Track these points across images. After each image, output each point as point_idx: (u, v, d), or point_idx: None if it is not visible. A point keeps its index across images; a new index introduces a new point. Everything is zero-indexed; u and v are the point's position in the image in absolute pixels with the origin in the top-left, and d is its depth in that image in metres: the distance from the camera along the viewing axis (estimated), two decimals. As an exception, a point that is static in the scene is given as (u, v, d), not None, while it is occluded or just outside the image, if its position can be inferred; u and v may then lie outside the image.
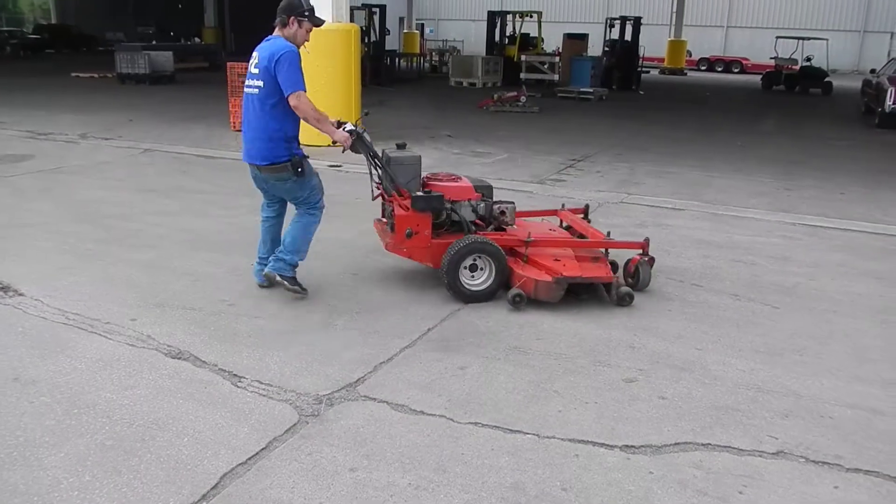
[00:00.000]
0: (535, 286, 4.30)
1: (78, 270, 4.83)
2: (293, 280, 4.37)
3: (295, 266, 4.41)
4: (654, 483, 2.72)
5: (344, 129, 4.24)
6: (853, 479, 2.78)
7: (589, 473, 2.77)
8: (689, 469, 2.81)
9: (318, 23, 4.21)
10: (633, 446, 2.95)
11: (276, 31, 4.17)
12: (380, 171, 4.55)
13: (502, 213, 4.65)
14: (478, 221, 4.72)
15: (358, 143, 4.31)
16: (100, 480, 2.63)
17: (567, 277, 4.30)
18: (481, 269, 4.44)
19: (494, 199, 4.88)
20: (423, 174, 4.66)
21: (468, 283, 4.43)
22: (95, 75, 19.83)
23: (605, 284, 4.49)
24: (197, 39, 28.49)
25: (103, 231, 5.75)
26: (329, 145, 9.46)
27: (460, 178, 4.77)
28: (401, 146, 4.68)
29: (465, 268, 4.42)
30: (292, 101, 3.99)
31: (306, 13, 4.08)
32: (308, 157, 4.27)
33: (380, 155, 4.52)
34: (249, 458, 2.79)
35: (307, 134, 4.52)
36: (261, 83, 4.08)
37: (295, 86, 3.97)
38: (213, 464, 2.75)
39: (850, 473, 2.82)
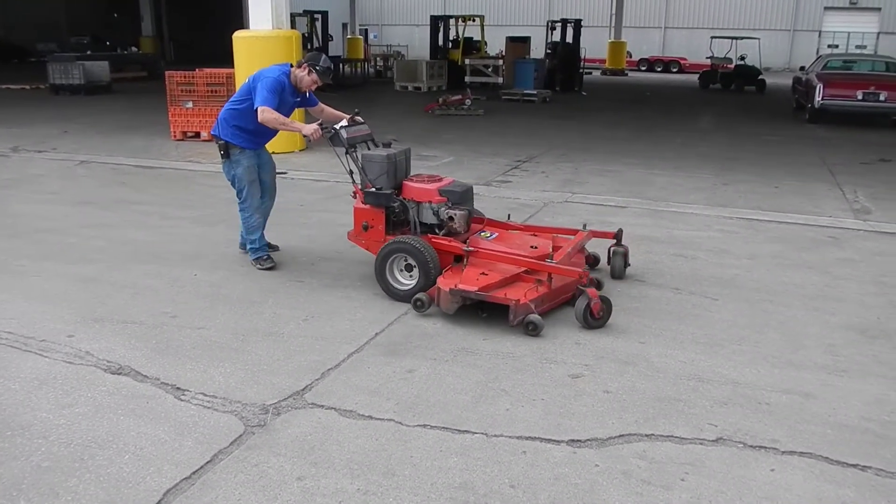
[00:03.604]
0: (438, 293, 4.23)
1: (10, 287, 4.66)
2: (260, 260, 5.15)
3: (257, 249, 5.17)
4: (599, 475, 2.77)
5: (319, 127, 4.78)
6: (788, 462, 2.88)
7: (536, 469, 2.80)
8: (634, 460, 2.87)
9: (324, 80, 4.96)
10: (578, 440, 3.00)
11: (293, 66, 4.97)
12: (355, 166, 4.81)
13: (450, 218, 4.60)
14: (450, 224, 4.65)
15: (334, 139, 4.80)
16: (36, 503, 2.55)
17: (461, 290, 4.10)
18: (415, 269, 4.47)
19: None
20: (421, 174, 4.93)
21: (397, 283, 4.52)
22: (27, 87, 19.16)
23: (509, 308, 4.04)
24: (134, 49, 27.77)
25: (38, 246, 5.57)
26: (272, 153, 9.41)
27: (441, 180, 4.79)
28: (386, 144, 4.94)
29: (402, 269, 4.51)
30: (259, 115, 4.71)
31: (318, 68, 4.88)
32: (242, 151, 4.96)
33: (356, 151, 4.82)
34: (194, 473, 2.74)
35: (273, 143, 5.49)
36: (243, 88, 4.99)
37: (260, 101, 4.71)
38: (155, 480, 2.69)
39: (785, 456, 2.92)
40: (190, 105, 10.73)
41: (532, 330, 4.00)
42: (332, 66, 5.02)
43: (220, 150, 5.03)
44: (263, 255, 5.16)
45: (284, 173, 8.40)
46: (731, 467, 2.83)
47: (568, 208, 7.10)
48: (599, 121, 14.62)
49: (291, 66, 4.98)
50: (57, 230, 6.02)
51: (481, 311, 4.23)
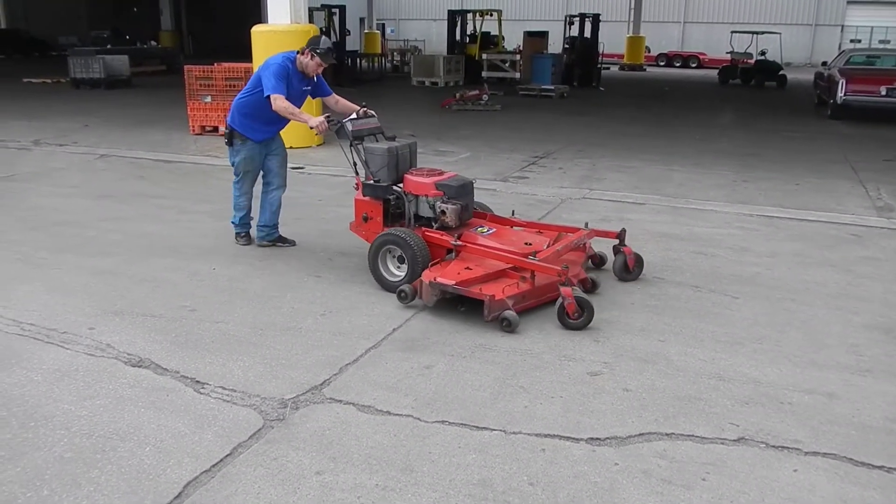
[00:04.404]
0: (420, 285, 4.25)
1: (32, 280, 4.70)
2: (238, 235, 5.53)
3: (238, 224, 5.54)
4: (619, 474, 2.75)
5: (325, 119, 4.85)
6: (811, 462, 2.84)
7: (555, 467, 2.79)
8: (654, 459, 2.85)
9: (327, 61, 5.02)
10: (598, 439, 2.98)
11: (298, 53, 5.04)
12: (359, 158, 4.89)
13: (443, 212, 4.61)
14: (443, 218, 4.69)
15: (340, 132, 4.88)
16: (58, 494, 2.57)
17: (439, 284, 4.14)
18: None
19: (477, 200, 5.06)
20: (422, 167, 4.94)
21: (389, 275, 4.61)
22: (48, 81, 19.34)
23: (484, 303, 4.03)
24: (153, 43, 27.97)
25: (58, 239, 5.62)
26: (290, 147, 9.43)
27: (441, 174, 4.81)
28: (390, 137, 5.08)
29: (395, 261, 4.60)
30: (273, 104, 4.84)
31: (318, 50, 4.96)
32: (244, 142, 5.21)
33: (361, 144, 4.89)
34: (213, 466, 2.75)
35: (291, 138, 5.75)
36: (253, 79, 5.16)
37: (270, 90, 4.84)
38: (176, 472, 2.70)
39: (808, 457, 2.88)
40: (209, 99, 10.77)
41: (506, 326, 3.99)
42: (333, 47, 5.09)
43: (225, 138, 5.36)
44: (242, 231, 5.56)
45: (302, 168, 8.43)
46: (753, 468, 2.80)
47: (586, 205, 7.06)
48: (617, 116, 14.52)
49: (298, 53, 5.06)
50: (77, 223, 6.08)
51: (460, 304, 4.26)
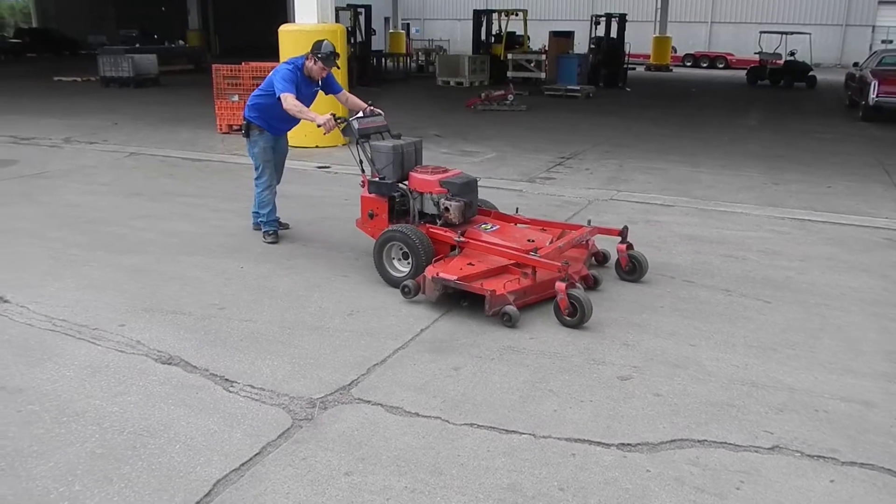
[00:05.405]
0: (423, 280, 4.31)
1: (63, 276, 4.76)
2: (266, 234, 5.62)
3: (266, 223, 5.61)
4: (651, 481, 2.71)
5: (332, 117, 4.98)
6: (849, 473, 2.78)
7: (586, 473, 2.75)
8: (686, 466, 2.80)
9: (329, 65, 5.26)
10: (629, 444, 2.94)
11: (304, 59, 5.30)
12: (365, 156, 5.00)
13: (446, 209, 4.66)
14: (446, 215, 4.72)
15: (346, 130, 5.03)
16: (90, 490, 2.59)
17: (441, 279, 4.18)
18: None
19: (481, 197, 5.11)
20: (427, 165, 5.03)
21: (393, 270, 4.67)
22: (78, 79, 19.65)
23: (484, 298, 4.07)
24: (181, 42, 28.27)
25: (89, 236, 5.69)
26: (316, 146, 9.49)
27: (445, 171, 4.86)
28: (396, 136, 5.15)
29: (399, 257, 4.67)
30: (283, 103, 5.06)
31: (319, 55, 5.21)
32: (261, 132, 5.42)
33: (367, 142, 5.00)
34: (243, 464, 2.76)
35: (295, 137, 6.02)
36: (266, 81, 5.40)
37: (281, 90, 5.08)
38: (205, 470, 2.71)
39: (845, 467, 2.82)
40: (236, 98, 10.84)
41: (507, 321, 4.05)
42: (334, 50, 5.27)
43: (242, 130, 5.60)
44: (271, 229, 5.61)
45: (328, 167, 8.46)
46: (788, 477, 2.74)
47: (613, 206, 6.99)
48: (644, 117, 14.39)
49: (304, 58, 5.30)
50: (108, 220, 6.14)
51: (463, 299, 4.30)
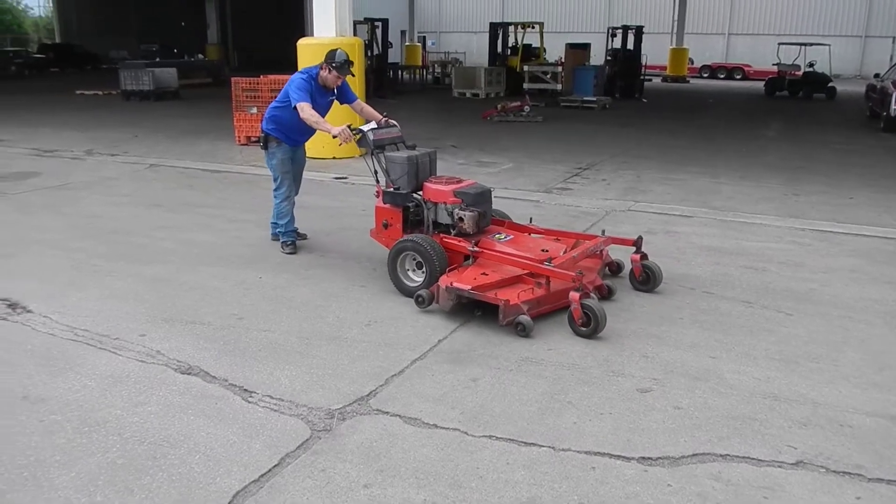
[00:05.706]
0: (437, 290, 4.31)
1: (85, 286, 4.81)
2: (284, 244, 5.64)
3: (284, 233, 5.65)
4: (672, 496, 2.67)
5: (347, 128, 5.01)
6: (876, 490, 2.73)
7: (606, 487, 2.72)
8: (708, 481, 2.76)
9: (344, 73, 5.31)
10: (650, 458, 2.91)
11: (319, 69, 5.37)
12: (380, 166, 5.04)
13: (460, 219, 4.67)
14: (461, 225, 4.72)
15: (362, 141, 5.04)
16: (111, 501, 2.60)
17: (455, 288, 4.19)
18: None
19: (496, 207, 5.17)
20: (442, 175, 5.04)
21: (408, 280, 4.69)
22: (100, 92, 19.93)
23: (498, 308, 4.07)
24: (200, 56, 28.60)
25: (110, 246, 5.75)
26: (333, 157, 9.54)
27: (460, 182, 4.88)
28: (410, 146, 5.18)
29: (413, 267, 4.69)
30: (300, 112, 5.12)
31: (334, 64, 5.26)
32: (279, 144, 5.49)
33: (382, 153, 5.03)
34: (262, 476, 2.76)
35: (312, 149, 6.01)
36: (282, 92, 5.46)
37: (297, 100, 5.16)
38: (225, 482, 2.72)
39: (872, 483, 2.76)
40: (255, 111, 10.94)
41: (521, 331, 4.05)
42: (348, 58, 5.30)
43: (260, 142, 5.64)
44: (289, 240, 5.65)
45: (345, 178, 8.50)
46: (813, 493, 2.69)
47: (631, 217, 6.96)
48: (661, 128, 14.33)
49: (319, 68, 5.36)
50: (129, 231, 6.21)
51: (476, 309, 4.29)
